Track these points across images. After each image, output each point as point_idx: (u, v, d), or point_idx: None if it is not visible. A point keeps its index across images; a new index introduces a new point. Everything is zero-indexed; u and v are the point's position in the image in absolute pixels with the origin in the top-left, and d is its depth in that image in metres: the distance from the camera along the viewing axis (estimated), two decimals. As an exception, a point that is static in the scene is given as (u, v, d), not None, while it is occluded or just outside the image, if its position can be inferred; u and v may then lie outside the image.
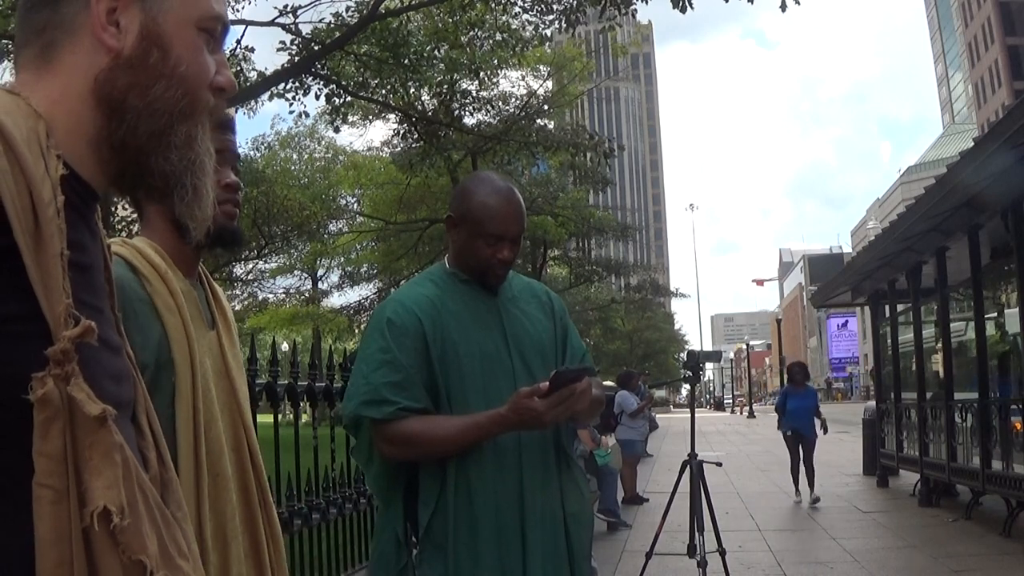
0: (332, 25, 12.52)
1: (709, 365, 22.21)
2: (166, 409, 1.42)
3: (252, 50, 13.33)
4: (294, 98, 13.30)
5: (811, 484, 10.12)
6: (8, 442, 0.76)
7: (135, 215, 1.72)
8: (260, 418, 3.09)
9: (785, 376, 12.29)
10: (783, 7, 10.12)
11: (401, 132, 18.45)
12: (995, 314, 9.21)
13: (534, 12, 13.66)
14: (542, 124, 20.82)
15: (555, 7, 13.25)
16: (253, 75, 13.10)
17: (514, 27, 15.27)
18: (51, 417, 0.76)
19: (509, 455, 2.04)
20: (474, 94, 18.07)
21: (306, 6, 12.37)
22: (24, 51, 0.89)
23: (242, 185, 1.70)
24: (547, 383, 1.94)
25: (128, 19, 0.88)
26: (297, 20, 12.34)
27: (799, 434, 10.38)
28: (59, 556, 0.75)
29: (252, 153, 27.26)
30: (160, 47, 0.88)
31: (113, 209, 11.75)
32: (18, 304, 0.77)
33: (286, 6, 12.20)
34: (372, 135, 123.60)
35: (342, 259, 28.96)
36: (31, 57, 0.88)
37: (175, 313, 1.49)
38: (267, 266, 28.47)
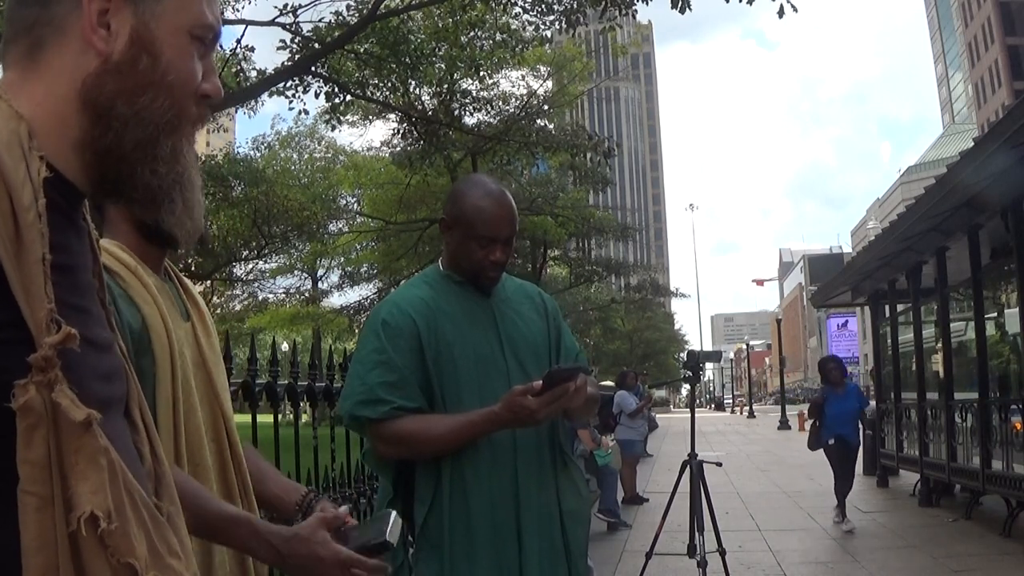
0: (332, 24, 12.53)
1: (709, 365, 22.24)
2: (148, 399, 1.42)
3: (252, 49, 13.37)
4: (294, 95, 13.32)
5: (843, 497, 8.35)
6: None
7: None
8: (260, 418, 3.09)
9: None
10: (780, 13, 10.12)
11: (401, 132, 18.46)
12: (995, 314, 9.22)
13: (534, 12, 13.66)
14: (542, 124, 20.83)
15: (555, 7, 13.25)
16: (253, 75, 13.10)
17: (514, 27, 15.28)
18: (34, 424, 0.75)
19: (505, 453, 2.05)
20: (474, 94, 18.10)
21: (306, 6, 12.39)
22: (11, 48, 0.86)
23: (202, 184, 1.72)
24: (541, 381, 1.95)
25: (119, 22, 0.85)
26: (297, 19, 12.36)
27: (843, 441, 8.39)
28: (45, 562, 0.75)
29: (252, 153, 27.32)
30: (150, 53, 0.86)
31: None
32: (1, 311, 0.76)
33: (286, 5, 12.21)
34: (372, 135, 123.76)
35: (342, 259, 28.98)
36: (18, 55, 0.86)
37: (151, 306, 1.51)
38: (267, 266, 28.50)
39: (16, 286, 0.76)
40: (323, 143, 29.63)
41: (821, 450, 8.66)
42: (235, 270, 26.07)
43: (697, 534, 5.61)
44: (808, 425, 8.93)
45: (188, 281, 1.71)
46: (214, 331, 1.68)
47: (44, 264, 0.77)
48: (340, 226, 26.73)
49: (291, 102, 13.42)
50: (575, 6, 12.91)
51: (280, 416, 3.79)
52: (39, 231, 0.78)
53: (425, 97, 17.16)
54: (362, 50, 13.11)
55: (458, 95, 17.08)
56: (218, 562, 1.48)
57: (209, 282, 24.78)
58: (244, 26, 12.57)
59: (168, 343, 1.49)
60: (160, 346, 1.48)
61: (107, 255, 1.52)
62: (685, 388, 44.40)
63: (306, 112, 15.55)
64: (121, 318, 1.44)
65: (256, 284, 29.72)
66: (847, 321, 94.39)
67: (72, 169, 0.85)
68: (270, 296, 30.42)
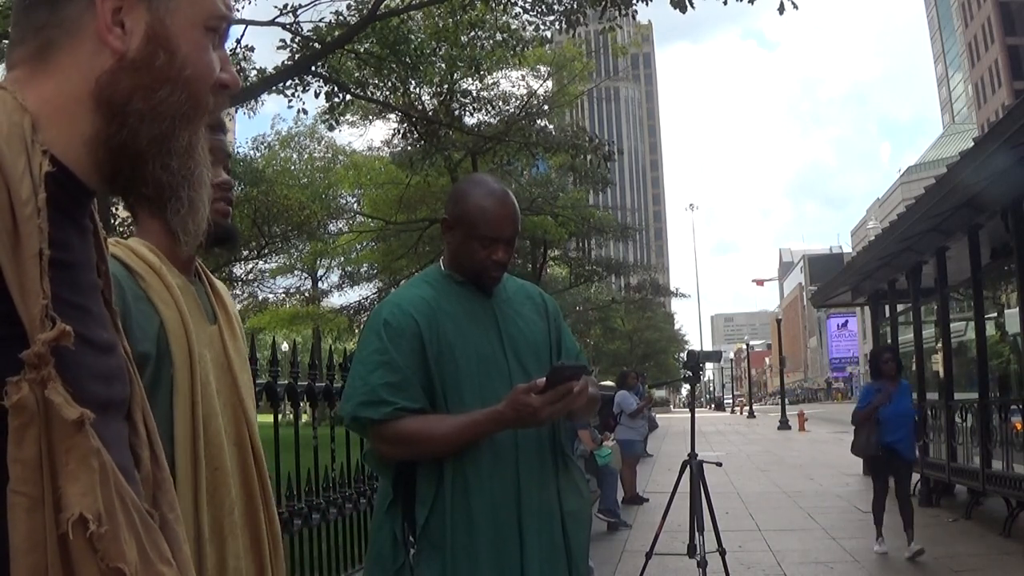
0: (332, 24, 12.53)
1: (709, 365, 22.22)
2: (166, 402, 1.42)
3: (252, 49, 13.36)
4: (293, 95, 13.32)
5: (910, 526, 6.85)
6: None
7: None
8: (260, 418, 3.08)
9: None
10: (781, 10, 10.13)
11: (401, 132, 18.46)
12: (995, 314, 9.22)
13: (534, 12, 13.67)
14: (542, 125, 20.83)
15: (555, 7, 13.26)
16: (253, 74, 13.11)
17: (514, 27, 15.29)
18: (26, 423, 0.73)
19: (506, 454, 2.05)
20: (474, 94, 18.10)
21: (306, 6, 12.39)
22: (18, 49, 0.86)
23: (233, 183, 1.72)
24: (544, 380, 1.95)
25: (133, 20, 0.84)
26: (297, 19, 12.36)
27: (893, 452, 6.95)
28: (34, 564, 0.73)
29: (252, 153, 27.37)
30: (167, 49, 0.85)
31: (114, 211, 11.74)
32: None
33: (286, 5, 12.21)
34: (372, 135, 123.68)
35: (342, 259, 28.98)
36: (25, 56, 0.85)
37: (172, 307, 1.50)
38: (267, 266, 28.49)
39: (11, 280, 0.75)
40: (323, 143, 29.69)
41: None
42: (235, 270, 26.05)
43: (697, 534, 5.61)
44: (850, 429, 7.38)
45: (219, 283, 1.69)
46: (241, 334, 1.66)
47: (41, 259, 0.76)
48: (340, 226, 26.75)
49: (291, 101, 13.45)
50: (575, 6, 12.92)
51: (280, 416, 3.79)
52: (37, 226, 0.76)
53: (425, 97, 17.16)
54: (362, 50, 13.13)
55: (458, 95, 17.09)
56: (232, 568, 1.46)
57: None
58: (244, 26, 12.57)
59: (187, 346, 1.48)
60: (179, 349, 1.47)
61: (132, 254, 1.52)
62: (685, 388, 44.37)
63: (305, 112, 15.56)
64: (138, 319, 1.44)
65: (256, 284, 29.71)
66: (847, 321, 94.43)
67: (82, 165, 0.84)
68: (270, 296, 30.43)
